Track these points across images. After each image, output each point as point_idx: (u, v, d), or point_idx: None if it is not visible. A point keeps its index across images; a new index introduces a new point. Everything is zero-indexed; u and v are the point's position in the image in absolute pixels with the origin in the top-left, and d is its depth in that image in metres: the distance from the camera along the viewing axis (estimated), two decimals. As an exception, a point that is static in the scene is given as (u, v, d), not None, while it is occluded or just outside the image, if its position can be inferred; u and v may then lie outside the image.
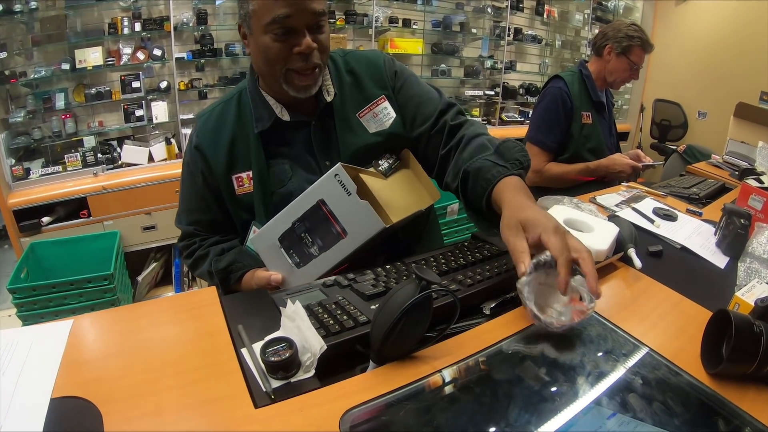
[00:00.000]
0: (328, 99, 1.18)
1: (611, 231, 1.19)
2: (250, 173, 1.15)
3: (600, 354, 0.90)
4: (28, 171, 2.91)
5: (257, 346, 0.80)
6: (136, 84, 3.16)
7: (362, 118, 1.21)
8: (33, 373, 0.77)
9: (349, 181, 0.97)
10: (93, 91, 3.08)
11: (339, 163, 0.98)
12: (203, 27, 3.27)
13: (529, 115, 2.81)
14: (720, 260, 1.36)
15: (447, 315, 0.85)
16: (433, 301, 0.80)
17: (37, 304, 2.36)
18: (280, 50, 1.03)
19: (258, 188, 1.15)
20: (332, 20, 3.68)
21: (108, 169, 3.06)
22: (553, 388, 0.81)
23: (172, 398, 0.73)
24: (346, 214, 0.98)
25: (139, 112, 3.19)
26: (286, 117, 1.16)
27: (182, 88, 3.29)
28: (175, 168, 3.06)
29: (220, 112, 1.20)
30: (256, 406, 0.72)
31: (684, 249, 1.40)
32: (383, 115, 1.22)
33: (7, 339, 0.85)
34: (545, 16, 4.80)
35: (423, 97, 1.26)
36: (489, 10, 4.40)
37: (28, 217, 2.77)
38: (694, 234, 1.49)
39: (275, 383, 0.76)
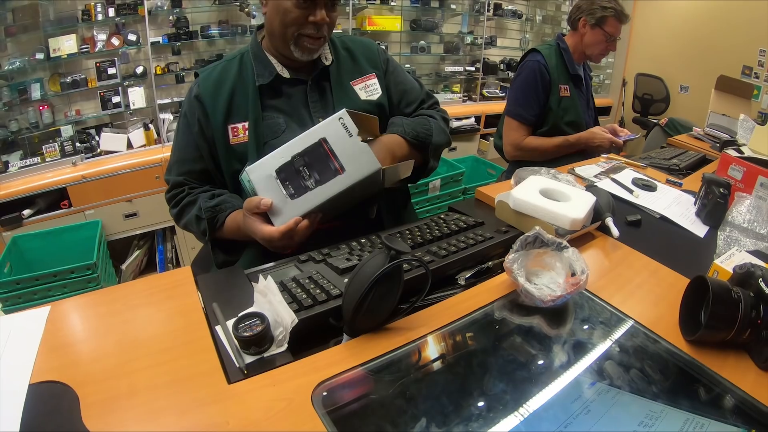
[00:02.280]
0: (326, 63, 1.33)
1: (588, 200, 1.20)
2: (246, 124, 1.25)
3: (578, 323, 0.91)
4: (6, 164, 2.85)
5: (231, 323, 0.79)
6: (111, 70, 3.10)
7: (355, 86, 1.36)
8: (12, 361, 0.77)
9: (352, 124, 1.06)
10: (68, 79, 3.01)
11: (344, 109, 1.07)
12: (178, 10, 3.20)
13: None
14: (699, 229, 1.37)
15: (422, 287, 0.85)
16: (403, 271, 0.80)
17: (21, 298, 2.34)
18: (298, 16, 1.17)
19: (252, 137, 1.24)
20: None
21: (87, 158, 3.00)
22: (531, 358, 0.81)
23: (147, 378, 0.73)
24: (345, 153, 1.05)
25: (115, 99, 3.13)
26: (286, 74, 1.29)
27: (159, 72, 3.23)
28: (155, 154, 3.04)
29: (223, 69, 1.30)
30: (229, 382, 0.72)
31: (663, 218, 1.41)
32: (373, 88, 1.38)
33: (-14, 329, 0.84)
34: (525, -10, 4.74)
35: (407, 85, 1.46)
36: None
37: (9, 210, 2.72)
38: (674, 204, 1.50)
39: (248, 359, 0.76)
